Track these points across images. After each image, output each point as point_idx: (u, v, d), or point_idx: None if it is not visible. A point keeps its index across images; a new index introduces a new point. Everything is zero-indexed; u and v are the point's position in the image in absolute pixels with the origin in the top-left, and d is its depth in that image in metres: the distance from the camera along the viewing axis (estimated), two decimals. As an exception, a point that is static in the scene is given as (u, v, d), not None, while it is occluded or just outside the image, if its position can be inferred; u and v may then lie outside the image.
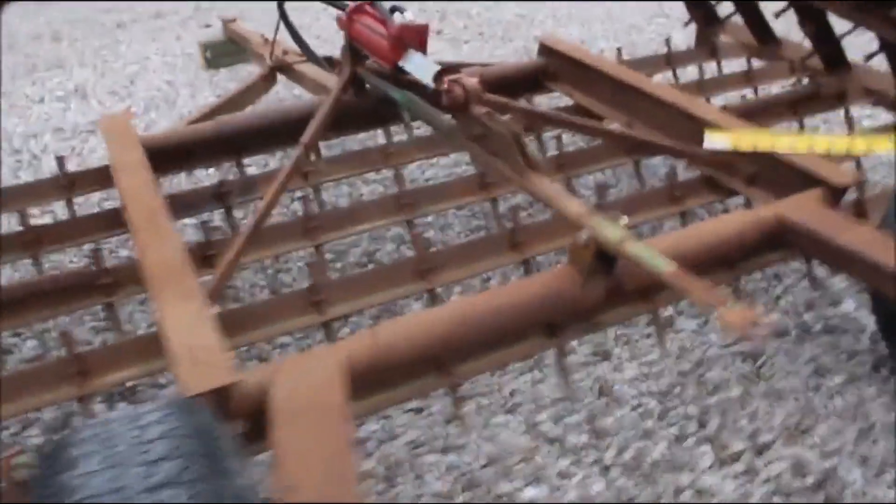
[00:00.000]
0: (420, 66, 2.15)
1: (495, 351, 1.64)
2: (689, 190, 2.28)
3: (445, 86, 1.99)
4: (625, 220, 1.56)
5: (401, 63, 2.21)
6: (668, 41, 3.30)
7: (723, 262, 1.90)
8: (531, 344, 1.69)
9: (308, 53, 2.73)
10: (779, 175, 2.10)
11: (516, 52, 4.52)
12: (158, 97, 4.22)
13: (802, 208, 1.87)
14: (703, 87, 3.08)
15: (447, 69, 2.09)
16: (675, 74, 3.30)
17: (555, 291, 1.60)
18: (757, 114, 2.79)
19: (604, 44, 4.65)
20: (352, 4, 2.45)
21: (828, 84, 2.90)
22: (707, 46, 3.38)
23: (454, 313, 1.54)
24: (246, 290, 2.48)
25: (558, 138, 2.60)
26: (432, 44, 4.58)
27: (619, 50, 3.19)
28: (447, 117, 2.14)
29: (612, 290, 1.63)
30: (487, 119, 1.93)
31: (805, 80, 3.04)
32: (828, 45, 2.83)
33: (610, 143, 2.45)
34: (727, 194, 2.28)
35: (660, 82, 2.62)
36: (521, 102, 2.71)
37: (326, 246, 2.24)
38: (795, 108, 2.85)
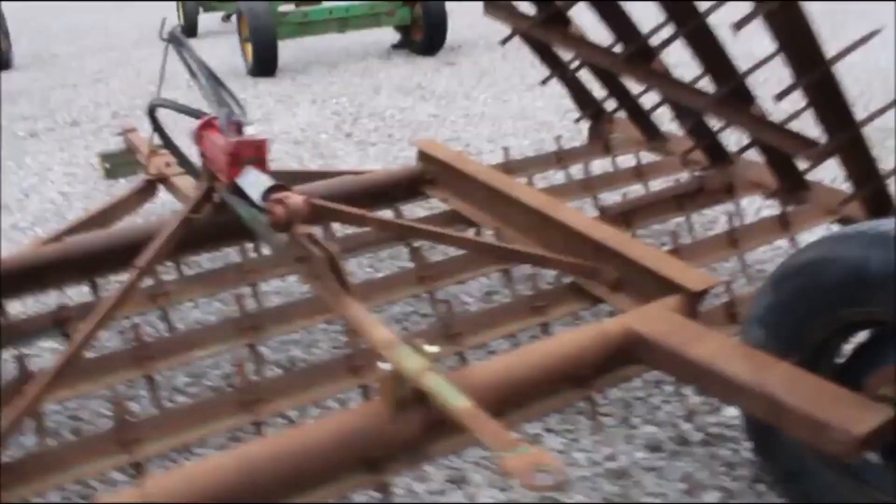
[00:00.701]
0: (252, 184, 2.05)
1: (306, 492, 1.47)
2: (554, 298, 2.15)
3: (271, 205, 1.91)
4: (433, 348, 1.42)
5: (237, 180, 2.11)
6: (557, 138, 3.25)
7: (570, 381, 1.77)
8: (350, 482, 1.52)
9: (184, 164, 2.62)
10: (640, 281, 1.99)
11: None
12: (50, 210, 4.06)
13: (653, 319, 1.75)
14: (591, 185, 3.01)
15: (277, 187, 2.00)
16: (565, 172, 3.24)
17: (364, 427, 1.45)
18: (643, 210, 2.72)
19: (513, 141, 4.62)
20: (204, 117, 2.39)
21: (711, 178, 2.84)
22: (599, 142, 3.34)
23: (240, 459, 1.37)
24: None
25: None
26: (340, 146, 4.59)
27: (505, 150, 3.13)
28: (282, 236, 2.01)
29: (430, 421, 1.48)
30: (307, 241, 1.82)
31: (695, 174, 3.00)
32: (707, 139, 2.78)
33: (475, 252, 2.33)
34: (594, 302, 2.16)
35: (530, 187, 2.52)
36: (386, 213, 2.62)
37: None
38: (681, 203, 2.79)
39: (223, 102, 2.62)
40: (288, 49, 7.95)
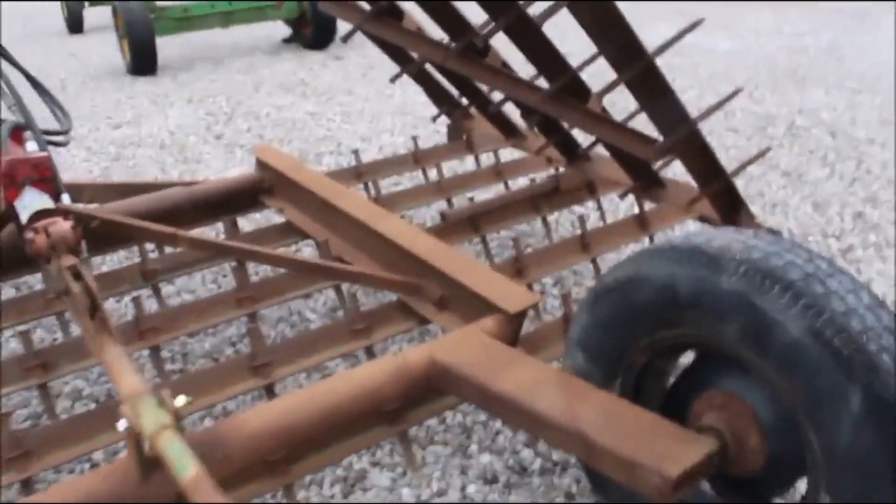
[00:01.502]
0: (25, 207, 1.82)
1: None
2: (379, 319, 1.96)
3: (31, 233, 1.68)
4: (181, 400, 1.21)
5: (15, 202, 1.87)
6: (414, 139, 3.07)
7: (375, 416, 1.59)
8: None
9: None
10: (463, 300, 1.82)
11: (294, 154, 4.23)
12: None
13: (461, 346, 1.58)
14: (446, 187, 2.83)
15: (44, 212, 1.77)
16: (424, 173, 3.07)
17: (111, 488, 1.24)
18: (494, 213, 2.56)
19: (387, 139, 4.42)
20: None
21: (567, 176, 2.70)
22: (458, 140, 3.17)
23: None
24: None
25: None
26: (208, 149, 4.31)
27: (355, 152, 2.93)
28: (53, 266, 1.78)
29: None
30: (69, 275, 1.59)
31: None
32: (559, 136, 2.63)
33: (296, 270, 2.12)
34: (421, 321, 1.97)
35: (360, 197, 2.32)
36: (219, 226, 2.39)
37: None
38: (536, 204, 2.64)
39: (23, 107, 2.37)
40: (173, 45, 7.59)
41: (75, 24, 9.54)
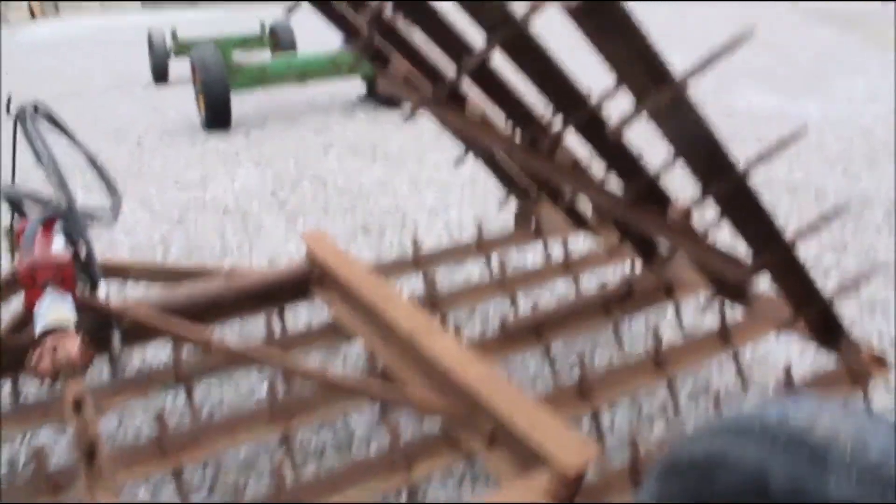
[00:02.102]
0: (42, 316, 1.68)
1: None
2: (422, 449, 1.74)
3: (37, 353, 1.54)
4: None
5: (35, 308, 1.75)
6: (479, 226, 2.87)
7: None
8: None
9: None
10: (514, 442, 1.59)
11: (351, 228, 4.08)
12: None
13: (508, 512, 1.34)
14: (509, 282, 2.62)
15: (45, 333, 1.63)
16: (488, 262, 2.86)
17: None
18: (566, 318, 2.34)
19: (454, 214, 4.24)
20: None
21: (642, 279, 2.45)
22: (526, 227, 2.96)
23: None
24: None
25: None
26: (271, 218, 4.20)
27: (414, 242, 2.75)
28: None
29: None
30: (69, 406, 1.43)
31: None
32: (635, 235, 2.39)
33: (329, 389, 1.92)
34: (467, 455, 1.74)
35: (408, 302, 2.10)
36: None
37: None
38: (607, 307, 2.40)
39: (65, 191, 2.27)
40: (251, 99, 7.64)
41: (160, 75, 9.76)
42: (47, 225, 2.06)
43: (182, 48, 9.56)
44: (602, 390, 2.00)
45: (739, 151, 1.50)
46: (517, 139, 2.04)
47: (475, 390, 1.66)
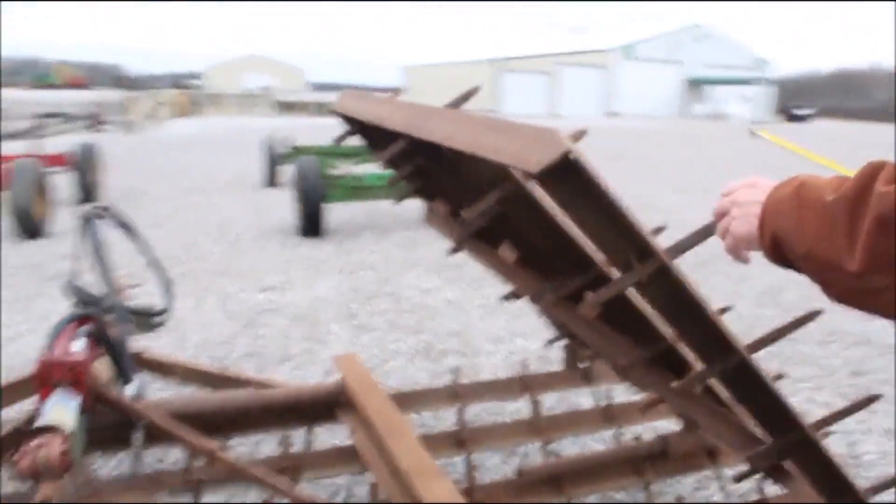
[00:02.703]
0: (43, 414, 1.71)
1: None
2: None
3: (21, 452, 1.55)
4: None
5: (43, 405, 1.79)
6: (524, 363, 2.80)
7: None
8: None
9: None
10: None
11: (414, 348, 4.06)
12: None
13: None
14: (543, 428, 2.52)
15: (43, 429, 1.65)
16: (534, 405, 2.76)
17: None
18: (591, 472, 2.22)
19: (521, 343, 4.16)
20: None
21: (680, 438, 2.31)
22: (574, 369, 2.86)
23: None
24: None
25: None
26: (337, 328, 4.24)
27: (454, 372, 2.69)
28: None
29: None
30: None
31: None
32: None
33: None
34: None
35: (414, 441, 2.03)
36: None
37: None
38: (638, 466, 2.27)
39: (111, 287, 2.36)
40: (353, 207, 7.89)
41: (270, 179, 10.25)
42: (80, 323, 2.13)
43: (292, 155, 10.04)
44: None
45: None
46: (545, 287, 1.99)
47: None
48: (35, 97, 41.24)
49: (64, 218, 7.69)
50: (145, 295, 4.90)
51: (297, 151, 9.85)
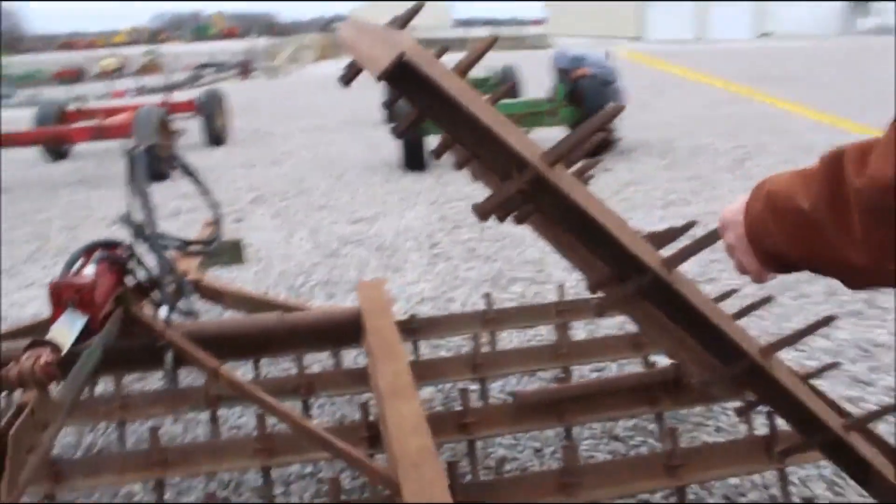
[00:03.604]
0: (52, 330, 1.83)
1: None
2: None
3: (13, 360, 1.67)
4: None
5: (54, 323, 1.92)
6: (561, 287, 2.73)
7: None
8: None
9: None
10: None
11: (486, 275, 4.06)
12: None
13: None
14: (564, 354, 2.46)
15: (38, 342, 1.76)
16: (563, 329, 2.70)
17: None
18: (595, 399, 2.16)
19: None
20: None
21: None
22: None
23: None
24: None
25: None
26: (415, 257, 4.30)
27: (487, 296, 2.66)
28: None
29: None
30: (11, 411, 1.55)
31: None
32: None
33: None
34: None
35: (404, 362, 2.03)
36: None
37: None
38: (652, 395, 2.18)
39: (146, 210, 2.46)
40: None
41: (389, 115, 10.36)
42: (105, 250, 2.25)
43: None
44: (590, 490, 1.82)
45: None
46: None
47: (396, 466, 1.58)
48: (193, 49, 43.49)
49: (192, 161, 8.13)
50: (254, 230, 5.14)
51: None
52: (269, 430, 2.04)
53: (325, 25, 67.87)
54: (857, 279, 0.88)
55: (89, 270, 2.11)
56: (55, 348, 1.77)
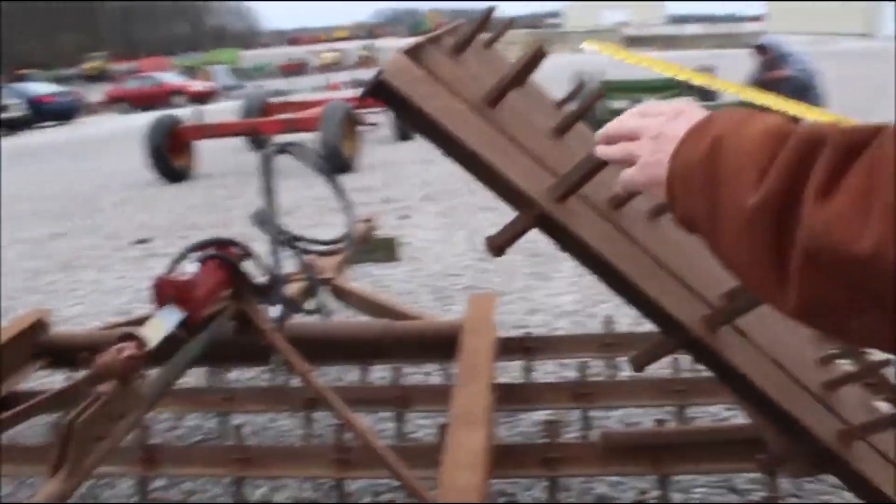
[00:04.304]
0: (147, 325, 1.90)
1: None
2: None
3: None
4: None
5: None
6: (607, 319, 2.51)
7: None
8: None
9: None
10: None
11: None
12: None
13: None
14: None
15: (128, 335, 1.83)
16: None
17: None
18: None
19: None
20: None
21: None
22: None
23: None
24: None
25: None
26: (567, 268, 4.15)
27: (526, 332, 2.51)
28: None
29: None
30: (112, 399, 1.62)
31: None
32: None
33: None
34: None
35: (482, 387, 1.93)
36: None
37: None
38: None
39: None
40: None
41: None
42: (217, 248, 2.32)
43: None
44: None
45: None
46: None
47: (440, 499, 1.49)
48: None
49: (377, 155, 8.37)
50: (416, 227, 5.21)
51: (604, 85, 9.66)
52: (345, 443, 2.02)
53: (536, 21, 68.03)
54: (780, 308, 0.65)
55: (194, 268, 2.18)
56: (141, 343, 1.83)
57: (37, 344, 2.45)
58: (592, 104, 1.41)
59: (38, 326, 2.48)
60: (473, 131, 1.03)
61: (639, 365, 1.11)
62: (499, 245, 1.08)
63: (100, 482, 2.31)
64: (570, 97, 1.80)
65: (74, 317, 4.08)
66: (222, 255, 2.25)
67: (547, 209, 1.01)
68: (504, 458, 1.90)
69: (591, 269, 1.09)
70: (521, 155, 1.08)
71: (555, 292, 3.91)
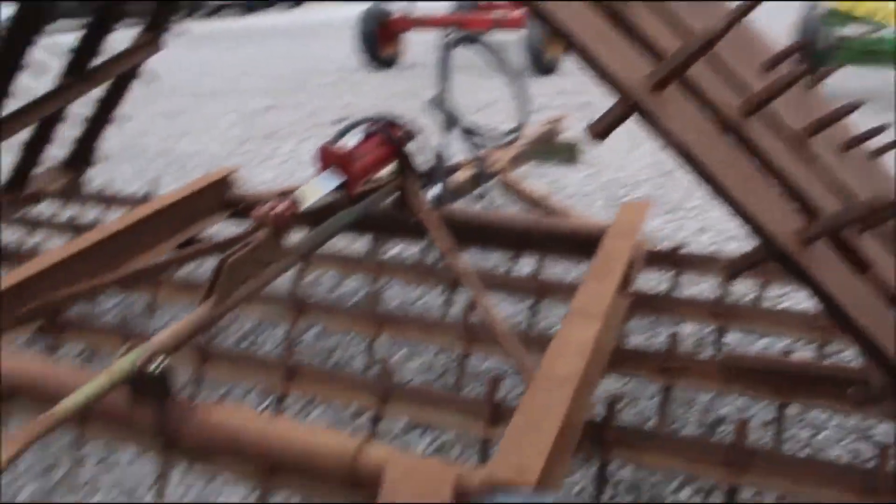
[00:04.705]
0: (306, 188, 2.07)
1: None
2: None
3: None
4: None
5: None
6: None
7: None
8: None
9: None
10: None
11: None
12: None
13: None
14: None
15: (284, 193, 2.00)
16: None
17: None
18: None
19: None
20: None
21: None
22: None
23: None
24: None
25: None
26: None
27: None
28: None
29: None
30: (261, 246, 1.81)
31: None
32: None
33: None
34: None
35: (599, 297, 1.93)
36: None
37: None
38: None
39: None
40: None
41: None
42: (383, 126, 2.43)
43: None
44: (755, 478, 1.62)
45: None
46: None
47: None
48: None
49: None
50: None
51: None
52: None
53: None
54: None
55: (356, 141, 2.31)
56: (295, 203, 1.99)
57: (222, 198, 2.72)
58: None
59: (225, 183, 2.74)
60: (580, 15, 1.03)
61: (730, 273, 1.10)
62: (598, 131, 1.09)
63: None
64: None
65: (268, 181, 4.43)
66: (386, 131, 2.37)
67: (641, 99, 1.01)
68: (623, 361, 1.93)
69: (687, 166, 1.08)
70: (621, 41, 1.07)
71: (728, 215, 3.77)
